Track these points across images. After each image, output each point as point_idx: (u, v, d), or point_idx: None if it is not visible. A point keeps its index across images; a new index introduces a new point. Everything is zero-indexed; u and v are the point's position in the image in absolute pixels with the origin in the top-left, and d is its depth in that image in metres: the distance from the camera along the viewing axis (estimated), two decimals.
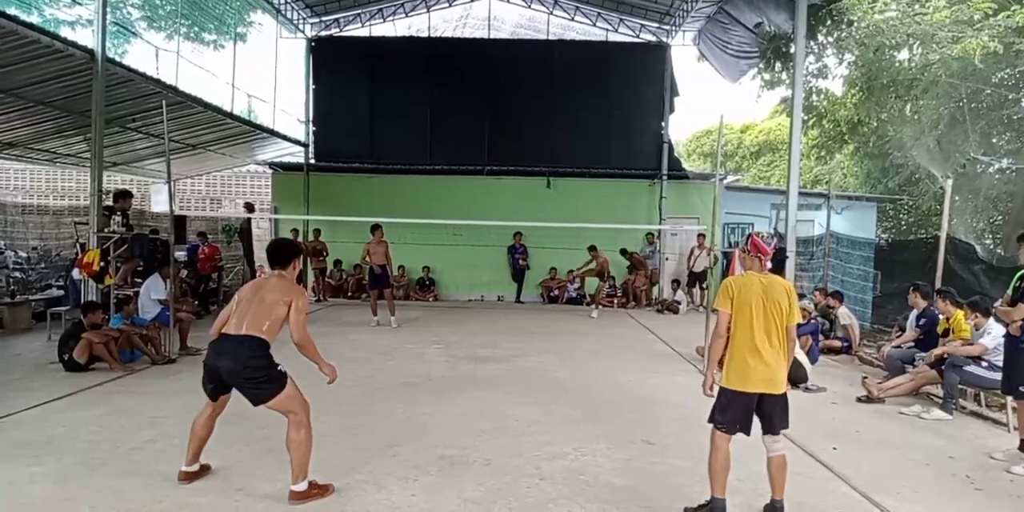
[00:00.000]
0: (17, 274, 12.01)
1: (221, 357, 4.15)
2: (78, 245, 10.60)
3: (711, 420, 4.04)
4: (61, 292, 11.86)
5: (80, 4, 13.82)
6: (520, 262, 16.39)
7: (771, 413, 3.93)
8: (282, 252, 4.43)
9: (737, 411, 3.94)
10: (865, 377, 7.62)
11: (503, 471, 4.73)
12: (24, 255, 12.75)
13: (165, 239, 9.30)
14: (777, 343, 3.91)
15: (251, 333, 4.11)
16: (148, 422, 5.75)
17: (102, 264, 8.45)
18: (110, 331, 7.95)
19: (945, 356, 6.61)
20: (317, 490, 4.20)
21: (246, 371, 4.09)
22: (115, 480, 4.45)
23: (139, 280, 9.30)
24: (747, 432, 4.00)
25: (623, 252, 15.38)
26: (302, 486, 4.13)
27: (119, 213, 9.26)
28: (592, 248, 14.25)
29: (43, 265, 12.87)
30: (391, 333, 11.11)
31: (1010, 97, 14.15)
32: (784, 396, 3.92)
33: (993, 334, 6.42)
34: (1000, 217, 17.50)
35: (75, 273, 10.15)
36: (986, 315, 6.57)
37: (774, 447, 3.93)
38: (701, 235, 14.89)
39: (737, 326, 3.95)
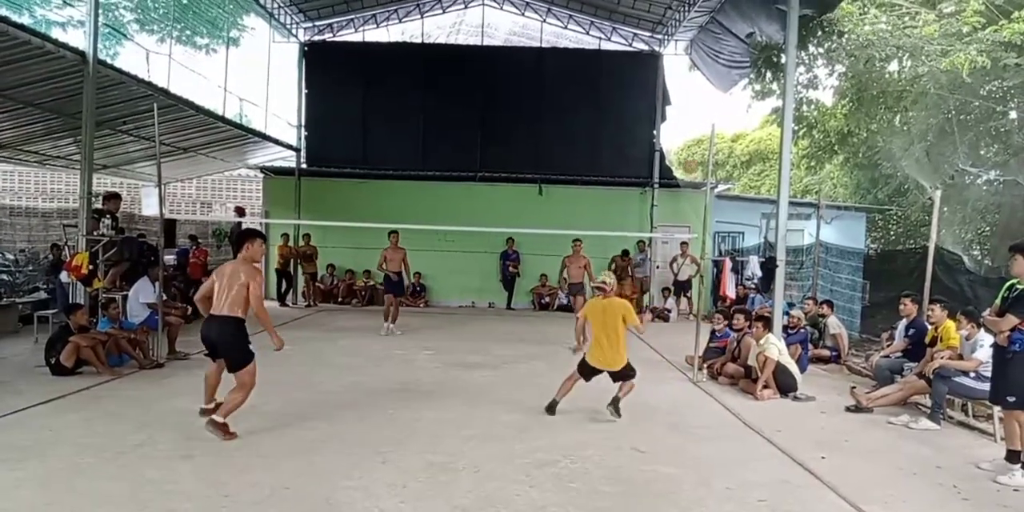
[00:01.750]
0: (4, 276, 11.92)
1: (212, 330, 5.56)
2: (67, 247, 10.52)
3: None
4: (48, 295, 11.77)
5: (72, 6, 13.73)
6: (511, 269, 16.38)
7: (616, 377, 6.58)
8: (235, 241, 5.94)
9: (589, 373, 6.61)
10: (854, 387, 7.64)
11: (492, 478, 4.72)
12: (12, 257, 12.66)
13: (153, 244, 9.26)
14: (613, 339, 6.45)
15: (230, 314, 5.49)
16: (135, 426, 5.70)
17: (91, 267, 8.39)
18: (98, 335, 7.88)
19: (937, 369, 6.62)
20: (224, 429, 5.37)
21: (229, 341, 5.52)
22: (101, 484, 4.41)
23: (127, 284, 9.23)
24: (587, 380, 6.63)
25: (624, 253, 15.53)
26: (220, 419, 5.40)
27: (108, 216, 9.21)
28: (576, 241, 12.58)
29: (31, 267, 12.78)
30: (382, 339, 11.07)
31: (998, 109, 14.30)
32: (623, 368, 6.55)
33: (986, 347, 6.44)
34: (988, 228, 17.64)
35: (63, 276, 10.08)
36: (980, 325, 6.60)
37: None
38: (684, 243, 14.91)
39: (593, 330, 6.56)
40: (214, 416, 5.40)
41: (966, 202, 16.15)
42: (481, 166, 17.21)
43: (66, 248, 10.56)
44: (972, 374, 6.46)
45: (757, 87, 14.91)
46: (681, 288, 15.18)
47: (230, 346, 5.50)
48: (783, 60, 10.85)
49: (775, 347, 7.62)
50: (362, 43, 18.00)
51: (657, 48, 17.57)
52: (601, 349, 6.45)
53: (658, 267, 16.65)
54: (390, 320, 11.71)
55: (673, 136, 40.51)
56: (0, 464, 4.71)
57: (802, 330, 9.25)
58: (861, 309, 12.24)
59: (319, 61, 17.75)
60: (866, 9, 13.91)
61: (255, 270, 5.65)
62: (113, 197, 9.59)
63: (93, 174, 9.08)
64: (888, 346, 8.31)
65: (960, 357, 6.72)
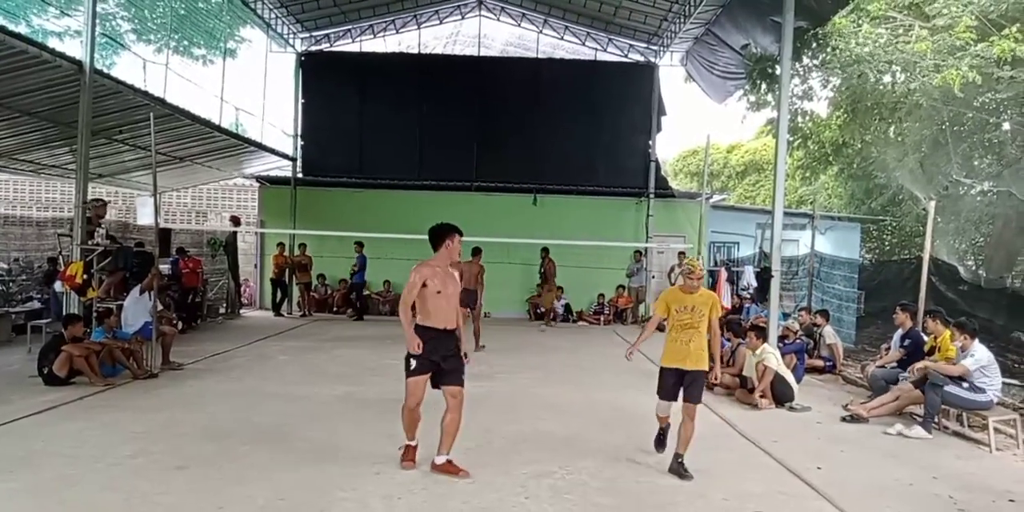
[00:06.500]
0: None
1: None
2: (61, 257, 10.48)
3: None
4: (42, 305, 11.72)
5: (69, 15, 13.77)
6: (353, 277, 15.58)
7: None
8: (431, 236, 5.23)
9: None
10: (848, 404, 7.57)
11: (489, 490, 4.69)
12: (5, 267, 12.60)
13: (150, 252, 9.25)
14: None
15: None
16: (128, 437, 5.66)
17: (85, 277, 8.36)
18: (91, 344, 7.84)
19: (927, 374, 6.65)
20: (453, 468, 4.93)
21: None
22: (93, 496, 4.38)
23: (125, 294, 9.19)
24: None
25: (544, 250, 14.82)
26: (442, 459, 4.96)
27: (94, 221, 9.14)
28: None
29: (24, 277, 12.72)
30: (377, 350, 11.01)
31: (991, 121, 14.39)
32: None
33: (976, 357, 6.47)
34: (982, 239, 17.73)
35: (57, 285, 10.04)
36: (973, 336, 6.63)
37: None
38: (682, 253, 14.94)
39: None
40: (437, 459, 5.00)
41: (960, 213, 16.24)
42: (477, 176, 17.27)
43: (60, 257, 10.51)
44: (965, 384, 6.48)
45: (752, 98, 15.00)
46: None
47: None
48: (778, 71, 10.92)
49: (773, 357, 7.63)
50: (359, 53, 18.07)
51: (653, 59, 17.68)
52: None
53: (654, 277, 16.66)
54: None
55: (669, 146, 40.75)
56: None
57: (798, 340, 9.26)
58: (856, 319, 12.26)
59: (316, 71, 17.81)
60: (859, 23, 14.01)
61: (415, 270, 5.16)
62: (96, 203, 9.50)
63: (88, 183, 9.06)
64: (884, 356, 8.31)
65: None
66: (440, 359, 4.93)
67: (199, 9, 15.06)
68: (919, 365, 6.80)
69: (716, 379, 5.60)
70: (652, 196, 17.15)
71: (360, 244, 15.30)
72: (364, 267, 15.39)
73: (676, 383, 5.25)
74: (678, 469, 5.08)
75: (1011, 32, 11.64)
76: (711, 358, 5.38)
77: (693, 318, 5.25)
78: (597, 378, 9.18)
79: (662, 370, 5.37)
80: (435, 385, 5.02)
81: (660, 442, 5.59)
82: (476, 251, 11.54)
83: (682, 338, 5.24)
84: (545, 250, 14.96)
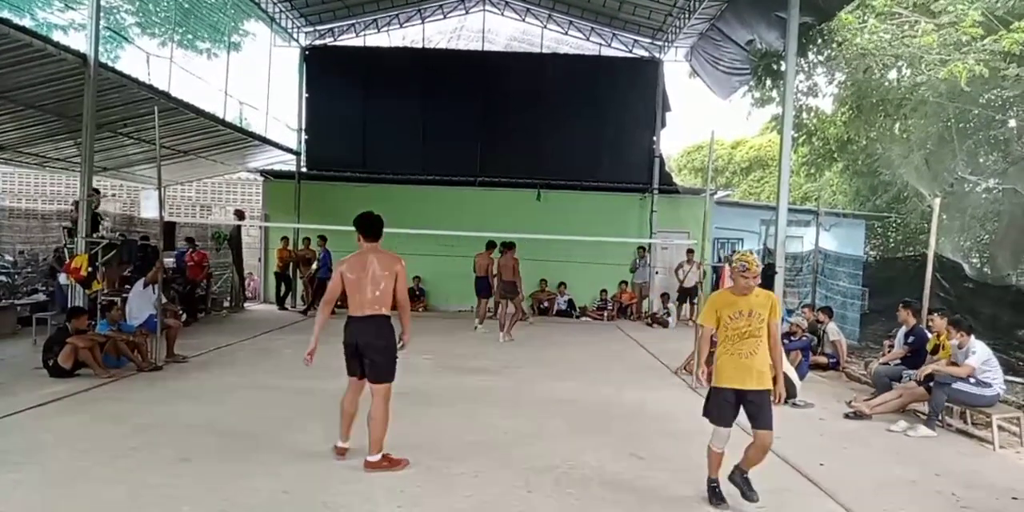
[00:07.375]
0: (3, 278, 11.90)
1: (357, 334, 5.18)
2: (64, 250, 10.51)
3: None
4: (47, 297, 11.75)
5: (73, 9, 13.76)
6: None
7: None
8: (376, 225, 4.97)
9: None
10: (852, 401, 7.57)
11: (491, 484, 4.70)
12: (10, 259, 12.63)
13: (155, 245, 9.27)
14: None
15: (381, 312, 5.05)
16: (134, 429, 5.68)
17: (90, 269, 8.38)
18: (96, 336, 7.86)
19: (933, 372, 6.64)
20: (390, 462, 4.85)
21: (382, 345, 5.05)
22: (99, 488, 4.39)
23: (128, 286, 9.23)
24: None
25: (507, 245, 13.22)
26: (376, 457, 4.81)
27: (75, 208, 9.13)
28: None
29: (29, 269, 12.75)
30: None
31: (997, 118, 14.34)
32: None
33: (978, 353, 6.46)
34: (987, 236, 17.67)
35: (62, 278, 10.06)
36: (969, 333, 6.62)
37: None
38: (690, 250, 14.93)
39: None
40: (368, 458, 4.81)
41: (965, 210, 16.18)
42: (481, 171, 17.26)
43: (65, 250, 10.54)
44: (972, 380, 6.46)
45: (757, 94, 14.96)
46: (687, 294, 15.11)
47: (382, 351, 5.01)
48: (783, 67, 10.90)
49: None
50: (363, 48, 18.04)
51: (657, 54, 17.62)
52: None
53: (657, 273, 16.66)
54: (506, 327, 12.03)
55: (673, 142, 40.69)
56: None
57: (804, 337, 9.25)
58: (860, 316, 12.24)
59: (320, 65, 17.79)
60: (865, 18, 13.96)
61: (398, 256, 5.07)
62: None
63: (93, 176, 9.08)
64: (888, 353, 8.30)
65: (955, 365, 6.72)
66: None
67: (203, 3, 15.04)
68: (926, 369, 6.77)
69: (779, 400, 4.53)
70: (656, 192, 17.13)
71: (323, 238, 15.21)
72: (327, 262, 14.91)
73: (735, 405, 4.40)
74: (743, 485, 4.42)
75: (1020, 26, 11.58)
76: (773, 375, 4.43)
77: (752, 325, 4.32)
78: (600, 373, 9.19)
79: (714, 391, 4.47)
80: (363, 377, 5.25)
81: (717, 496, 4.47)
82: (510, 246, 12.35)
83: (742, 350, 4.33)
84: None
